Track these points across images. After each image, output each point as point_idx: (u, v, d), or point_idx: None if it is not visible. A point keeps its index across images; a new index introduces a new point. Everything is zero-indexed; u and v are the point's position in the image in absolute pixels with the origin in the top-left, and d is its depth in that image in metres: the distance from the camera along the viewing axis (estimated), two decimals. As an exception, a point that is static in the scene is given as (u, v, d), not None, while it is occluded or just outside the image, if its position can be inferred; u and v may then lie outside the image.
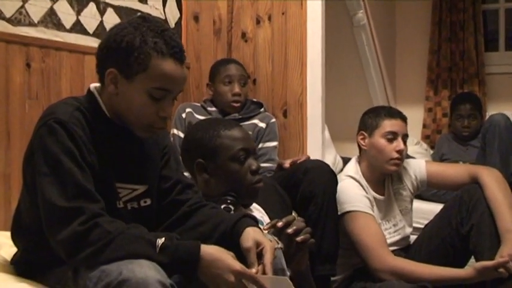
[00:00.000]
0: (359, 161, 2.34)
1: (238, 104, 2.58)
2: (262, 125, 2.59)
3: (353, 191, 2.23)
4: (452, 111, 3.67)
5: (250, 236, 1.35)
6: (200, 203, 1.51)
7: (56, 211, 1.25)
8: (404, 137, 2.26)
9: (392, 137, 2.22)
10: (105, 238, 1.22)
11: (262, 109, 2.65)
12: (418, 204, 2.61)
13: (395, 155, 2.21)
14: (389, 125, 2.23)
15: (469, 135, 3.56)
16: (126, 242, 1.23)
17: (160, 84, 1.35)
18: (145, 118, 1.37)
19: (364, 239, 2.13)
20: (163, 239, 1.25)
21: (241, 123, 2.38)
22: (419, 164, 2.38)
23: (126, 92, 1.36)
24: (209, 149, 1.72)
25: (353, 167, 2.32)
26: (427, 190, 2.77)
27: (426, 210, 2.77)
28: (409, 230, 2.36)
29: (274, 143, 2.59)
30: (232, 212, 1.68)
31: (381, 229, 2.19)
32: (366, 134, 2.28)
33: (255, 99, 2.73)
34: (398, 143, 2.21)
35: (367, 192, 2.25)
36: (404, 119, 2.27)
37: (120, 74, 1.35)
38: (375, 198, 2.27)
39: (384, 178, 2.33)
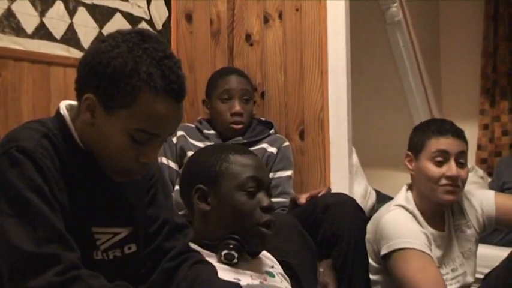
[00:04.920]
0: (410, 188, 2.30)
1: (239, 126, 2.56)
2: (273, 150, 2.58)
3: (406, 224, 2.19)
4: None
5: None
6: (182, 257, 1.52)
7: (23, 257, 1.23)
8: (460, 157, 2.19)
9: (441, 159, 2.17)
10: None
11: (272, 130, 2.64)
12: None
13: (445, 182, 2.17)
14: (436, 144, 2.19)
15: None
16: None
17: (146, 126, 1.32)
18: (122, 162, 1.36)
19: (420, 285, 2.05)
20: None
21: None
22: (487, 195, 2.34)
23: (102, 126, 1.34)
24: (213, 173, 1.71)
25: (403, 196, 2.28)
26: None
27: (487, 256, 2.71)
28: (470, 279, 2.30)
29: (288, 173, 2.58)
30: (235, 259, 1.68)
31: (441, 274, 2.12)
32: (412, 156, 2.26)
33: (263, 118, 2.73)
34: (450, 167, 2.16)
35: (423, 227, 2.20)
36: (458, 135, 2.21)
37: (99, 103, 1.32)
38: (432, 234, 2.21)
39: (443, 211, 2.28)
